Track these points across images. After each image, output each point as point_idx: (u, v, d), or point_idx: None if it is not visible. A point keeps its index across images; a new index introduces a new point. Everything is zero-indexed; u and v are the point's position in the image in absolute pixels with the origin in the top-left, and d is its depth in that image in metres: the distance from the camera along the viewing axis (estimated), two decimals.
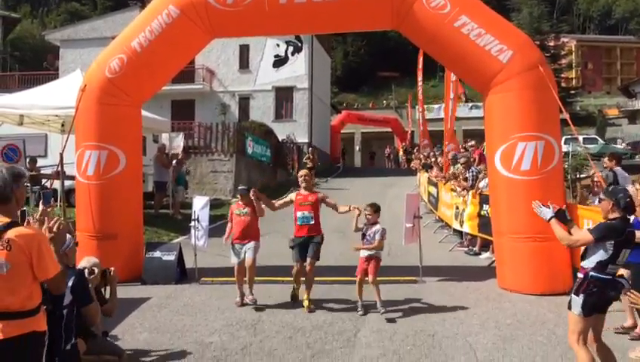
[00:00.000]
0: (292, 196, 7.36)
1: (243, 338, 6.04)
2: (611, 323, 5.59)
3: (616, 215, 4.37)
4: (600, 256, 4.30)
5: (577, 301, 4.27)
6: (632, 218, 5.47)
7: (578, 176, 15.03)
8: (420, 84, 27.70)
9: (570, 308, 4.35)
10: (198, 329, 6.38)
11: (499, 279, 8.14)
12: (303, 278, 7.22)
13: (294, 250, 7.14)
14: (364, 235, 6.98)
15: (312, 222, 7.14)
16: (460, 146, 18.49)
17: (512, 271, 7.88)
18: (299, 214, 7.17)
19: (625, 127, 42.86)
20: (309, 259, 7.02)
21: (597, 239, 4.27)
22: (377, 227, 6.96)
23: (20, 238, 3.08)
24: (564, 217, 4.67)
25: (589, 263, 4.31)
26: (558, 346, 5.65)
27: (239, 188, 7.80)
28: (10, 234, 3.08)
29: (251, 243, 7.25)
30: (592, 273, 4.26)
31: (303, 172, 7.71)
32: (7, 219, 3.16)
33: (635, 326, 5.97)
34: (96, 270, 4.78)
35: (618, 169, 9.02)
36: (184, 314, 6.98)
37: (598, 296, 4.27)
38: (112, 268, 4.93)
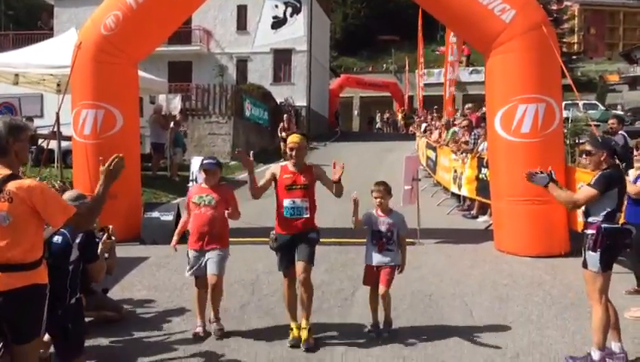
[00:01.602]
0: (275, 171, 4.97)
1: (241, 297, 6.08)
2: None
3: (608, 164, 4.35)
4: (607, 206, 4.28)
5: (594, 257, 4.23)
6: (635, 174, 5.47)
7: (577, 141, 14.97)
8: (420, 46, 27.30)
9: (585, 266, 4.28)
10: None
11: (496, 241, 8.18)
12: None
13: (278, 254, 4.95)
14: (377, 234, 5.01)
15: (307, 215, 4.86)
16: (455, 112, 18.36)
17: (510, 234, 7.91)
18: (287, 203, 4.85)
19: (625, 93, 42.51)
20: (301, 265, 4.76)
21: (602, 191, 4.24)
22: (395, 217, 5.05)
23: (20, 190, 3.05)
24: (554, 180, 4.63)
25: (597, 217, 4.28)
26: (553, 306, 5.71)
27: (204, 160, 5.36)
28: (11, 186, 3.06)
29: (215, 252, 4.97)
30: (604, 225, 4.23)
31: (294, 138, 4.95)
32: (7, 172, 3.12)
33: None
34: (111, 235, 4.74)
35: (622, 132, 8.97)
36: (183, 272, 6.97)
37: (613, 248, 4.27)
38: (111, 226, 4.92)
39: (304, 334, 4.75)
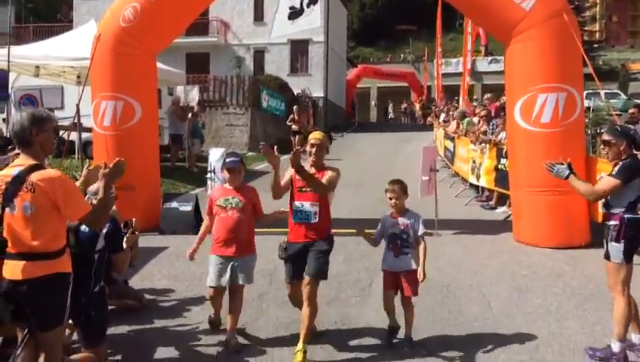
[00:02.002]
0: (289, 173, 4.57)
1: (260, 287, 6.11)
2: None
3: (627, 154, 4.29)
4: (629, 197, 4.23)
5: (618, 248, 4.18)
6: None
7: (599, 131, 14.75)
8: (438, 35, 27.01)
9: (608, 258, 4.24)
10: None
11: (515, 232, 8.12)
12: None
13: (286, 264, 4.59)
14: (392, 237, 4.64)
15: (315, 220, 4.40)
16: (471, 104, 18.17)
17: (529, 225, 7.84)
18: (295, 206, 4.47)
19: None
20: (306, 280, 4.35)
21: (625, 181, 4.19)
22: (411, 217, 4.65)
23: (42, 181, 3.10)
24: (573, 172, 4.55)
25: (619, 208, 4.22)
26: (572, 297, 5.67)
27: (226, 158, 4.96)
28: (34, 177, 3.11)
29: (242, 260, 4.64)
30: (626, 216, 4.18)
31: (316, 135, 4.58)
32: (32, 162, 3.18)
33: None
34: (135, 229, 4.79)
35: None
36: (202, 262, 7.02)
37: (636, 239, 4.22)
38: (134, 220, 4.96)
39: (298, 357, 4.16)
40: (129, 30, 8.59)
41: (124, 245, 4.38)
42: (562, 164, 4.39)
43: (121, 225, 4.76)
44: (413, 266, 4.59)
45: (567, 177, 4.35)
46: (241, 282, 4.63)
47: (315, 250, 4.40)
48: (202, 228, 4.96)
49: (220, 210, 4.69)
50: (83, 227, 4.03)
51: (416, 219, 4.63)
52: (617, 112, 12.51)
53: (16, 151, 5.70)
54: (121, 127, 8.68)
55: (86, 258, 3.85)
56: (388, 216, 4.73)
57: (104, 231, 4.11)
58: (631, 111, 8.89)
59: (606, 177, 4.30)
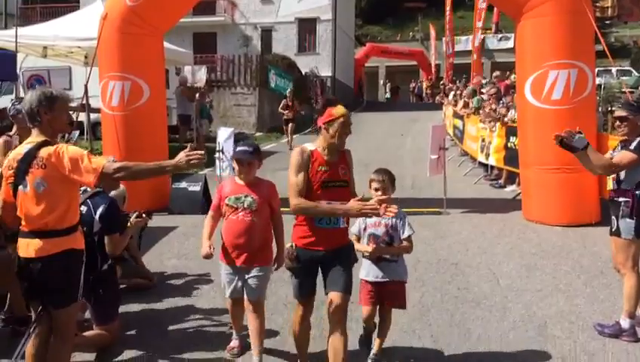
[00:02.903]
0: (303, 163, 3.44)
1: None
2: None
3: None
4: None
5: (630, 224, 4.16)
6: None
7: (610, 108, 14.57)
8: (447, 12, 26.61)
9: (619, 234, 4.22)
10: None
11: (524, 210, 8.09)
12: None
13: (296, 277, 3.61)
14: (372, 238, 3.85)
15: (344, 225, 3.54)
16: (477, 81, 17.93)
17: (538, 203, 7.80)
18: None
19: None
20: (338, 296, 3.43)
21: None
22: (397, 216, 3.70)
23: (50, 155, 3.10)
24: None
25: (631, 184, 4.19)
26: (582, 275, 5.66)
27: (238, 145, 4.13)
28: (43, 152, 3.12)
29: (254, 272, 3.85)
30: (638, 192, 4.15)
31: (340, 110, 3.53)
32: (41, 139, 3.18)
33: None
34: (143, 216, 4.77)
35: None
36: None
37: None
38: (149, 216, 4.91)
39: None
40: (135, 9, 8.53)
41: (127, 228, 4.41)
42: (581, 133, 4.31)
43: (128, 211, 4.79)
44: (398, 277, 3.85)
45: (585, 147, 4.19)
46: (254, 299, 3.83)
47: (340, 259, 3.47)
48: (206, 228, 3.96)
49: (229, 210, 3.85)
50: (82, 207, 4.06)
51: (402, 218, 3.81)
52: (630, 90, 12.31)
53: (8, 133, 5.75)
54: (129, 108, 8.67)
55: (87, 238, 3.87)
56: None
57: (98, 213, 4.14)
58: None
59: (624, 151, 4.21)
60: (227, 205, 3.87)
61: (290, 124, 16.35)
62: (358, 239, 3.91)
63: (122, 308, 4.63)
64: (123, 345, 4.24)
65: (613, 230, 4.27)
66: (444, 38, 32.69)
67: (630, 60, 39.19)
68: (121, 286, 4.94)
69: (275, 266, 3.97)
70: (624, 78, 25.20)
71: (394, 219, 3.78)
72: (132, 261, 5.37)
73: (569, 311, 4.78)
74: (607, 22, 46.78)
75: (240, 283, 3.89)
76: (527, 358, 4.01)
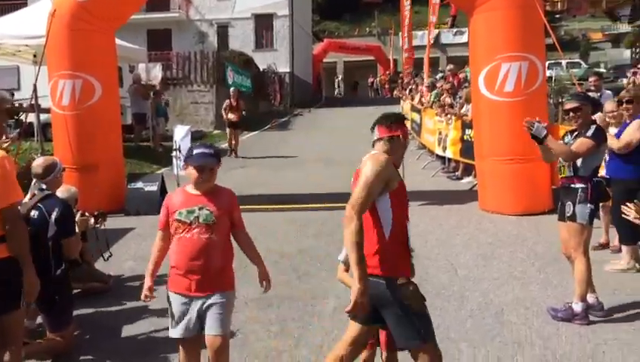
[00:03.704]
0: (390, 171, 2.96)
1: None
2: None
3: (591, 120, 4.42)
4: (597, 160, 4.38)
5: (586, 210, 4.31)
6: (615, 130, 5.54)
7: (561, 100, 15.02)
8: (403, 7, 26.87)
9: (574, 219, 4.35)
10: None
11: (480, 201, 8.25)
12: None
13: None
14: None
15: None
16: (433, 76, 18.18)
17: (494, 193, 7.98)
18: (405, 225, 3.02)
19: (608, 50, 42.47)
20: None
21: (599, 143, 4.30)
22: None
23: None
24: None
25: (588, 170, 4.34)
26: (536, 262, 5.81)
27: (193, 150, 3.28)
28: None
29: (215, 299, 3.19)
30: (595, 179, 4.33)
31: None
32: None
33: (607, 244, 6.15)
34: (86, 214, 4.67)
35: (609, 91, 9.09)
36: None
37: (599, 201, 4.36)
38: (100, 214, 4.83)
39: None
40: (85, 5, 8.30)
41: (77, 229, 4.29)
42: (540, 122, 4.42)
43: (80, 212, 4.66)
44: None
45: (545, 136, 4.34)
46: (217, 332, 3.15)
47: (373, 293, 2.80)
48: (154, 253, 3.35)
49: (180, 226, 3.17)
50: (33, 212, 3.94)
51: None
52: (578, 81, 12.73)
53: None
54: (80, 107, 8.44)
55: (40, 243, 3.75)
56: None
57: (53, 216, 3.99)
58: (592, 79, 9.06)
59: (581, 139, 4.34)
60: (177, 221, 3.16)
61: (235, 129, 14.13)
62: (347, 268, 3.20)
63: (77, 313, 4.51)
64: (78, 351, 4.14)
65: (568, 215, 4.39)
66: (400, 33, 33.02)
67: (579, 53, 40.50)
68: (76, 290, 4.81)
69: (265, 288, 3.44)
70: (574, 70, 26.01)
71: None
72: (85, 264, 5.23)
73: (524, 298, 4.90)
74: (557, 16, 48.21)
75: (195, 317, 3.17)
76: (484, 344, 4.09)
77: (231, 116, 14.00)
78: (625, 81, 17.80)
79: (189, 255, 3.16)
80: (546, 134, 4.33)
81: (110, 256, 5.49)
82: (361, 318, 2.91)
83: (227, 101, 14.39)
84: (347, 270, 3.25)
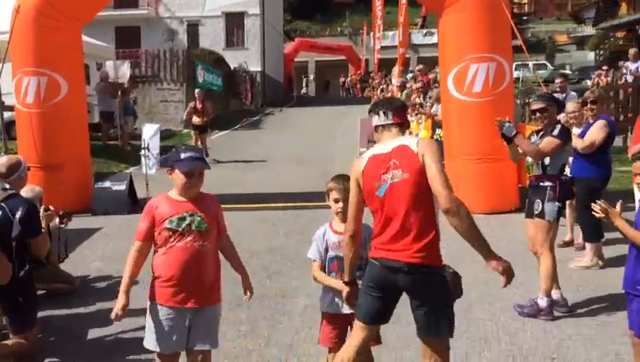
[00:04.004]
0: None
1: None
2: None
3: (557, 119, 4.53)
4: (563, 159, 4.50)
5: (554, 207, 4.40)
6: (578, 131, 5.68)
7: (527, 100, 15.33)
8: (379, 6, 27.00)
9: (543, 216, 4.43)
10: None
11: None
12: None
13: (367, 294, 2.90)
14: (334, 262, 3.19)
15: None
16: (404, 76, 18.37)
17: (463, 192, 7.96)
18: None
19: (573, 53, 43.50)
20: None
21: (564, 142, 4.40)
22: (363, 231, 3.06)
23: None
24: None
25: (555, 169, 4.44)
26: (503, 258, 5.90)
27: (181, 151, 3.09)
28: None
29: (206, 312, 3.08)
30: (562, 177, 4.43)
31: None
32: None
33: (571, 242, 6.31)
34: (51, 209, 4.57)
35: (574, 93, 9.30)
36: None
37: (566, 198, 4.47)
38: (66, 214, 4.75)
39: None
40: (50, 1, 8.13)
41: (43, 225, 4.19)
42: (509, 122, 4.50)
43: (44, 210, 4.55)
44: None
45: (515, 135, 4.42)
46: (207, 347, 3.07)
47: (420, 282, 2.81)
48: (130, 268, 3.09)
49: (172, 235, 3.00)
50: None
51: (368, 233, 3.01)
52: (544, 83, 13.02)
53: None
54: (45, 104, 8.28)
55: (3, 243, 3.65)
56: (328, 230, 3.24)
57: (17, 216, 3.88)
58: (558, 80, 9.28)
59: (548, 138, 4.43)
60: (168, 229, 2.99)
61: (200, 133, 13.04)
62: (322, 266, 3.20)
63: (41, 314, 4.41)
64: (42, 354, 4.04)
65: (537, 212, 4.47)
66: (372, 33, 33.22)
67: (545, 55, 41.37)
68: (40, 291, 4.70)
69: (248, 298, 3.33)
70: (540, 71, 26.54)
71: (362, 236, 3.06)
72: (50, 265, 5.11)
73: (490, 294, 4.98)
74: (524, 18, 49.19)
75: (183, 330, 3.01)
76: (452, 341, 4.13)
77: (195, 120, 12.96)
78: (589, 82, 18.29)
79: (183, 264, 2.99)
80: (515, 133, 4.42)
81: (65, 258, 5.36)
82: (371, 317, 2.91)
83: (191, 104, 13.29)
84: (323, 268, 3.22)
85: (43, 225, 4.26)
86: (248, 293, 3.32)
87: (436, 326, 2.81)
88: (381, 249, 2.83)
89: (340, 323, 3.20)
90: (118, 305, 3.03)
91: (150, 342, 3.07)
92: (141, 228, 3.08)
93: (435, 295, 2.80)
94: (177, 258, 2.99)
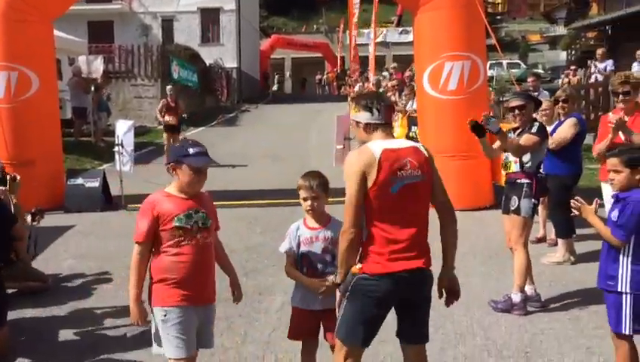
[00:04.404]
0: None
1: None
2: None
3: (533, 117, 4.60)
4: (539, 156, 4.54)
5: (530, 204, 4.46)
6: (549, 128, 5.77)
7: (501, 99, 15.54)
8: (356, 4, 26.99)
9: (518, 213, 4.48)
10: (127, 255, 6.10)
11: None
12: None
13: (367, 313, 2.73)
14: (306, 259, 3.16)
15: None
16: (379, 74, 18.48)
17: None
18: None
19: (546, 52, 44.27)
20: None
21: (542, 139, 4.47)
22: (334, 227, 3.09)
23: None
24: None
25: (532, 166, 4.49)
26: (477, 255, 5.99)
27: (188, 148, 2.97)
28: None
29: (211, 309, 3.09)
30: (539, 175, 4.50)
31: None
32: None
33: (544, 238, 6.42)
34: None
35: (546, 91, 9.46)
36: (112, 239, 6.81)
37: (541, 195, 4.54)
38: (17, 175, 4.57)
39: None
40: None
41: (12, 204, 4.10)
42: (494, 118, 4.54)
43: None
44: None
45: (498, 131, 4.44)
46: (210, 346, 3.12)
47: (427, 287, 2.84)
48: (139, 272, 2.91)
49: (182, 234, 2.88)
50: None
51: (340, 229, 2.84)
52: (517, 81, 13.21)
53: None
54: (16, 99, 8.13)
55: None
56: (302, 226, 3.22)
57: None
58: (531, 79, 9.42)
59: (527, 135, 4.48)
60: (177, 228, 2.86)
61: (172, 133, 11.82)
62: (294, 261, 3.20)
63: (13, 314, 4.32)
64: (13, 354, 3.95)
65: (513, 208, 4.52)
66: (347, 31, 33.25)
67: (519, 54, 41.98)
68: (12, 290, 4.61)
69: (236, 298, 3.26)
70: (513, 70, 26.89)
71: (332, 233, 3.08)
72: (21, 263, 5.01)
73: (466, 290, 5.00)
74: (498, 17, 49.79)
75: (195, 330, 2.94)
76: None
77: (168, 118, 11.86)
78: (560, 81, 18.61)
79: (196, 263, 2.90)
80: (499, 129, 4.46)
81: (35, 256, 5.25)
82: (371, 340, 2.77)
83: (163, 101, 12.28)
84: (295, 263, 3.19)
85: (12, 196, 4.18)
86: (236, 293, 3.24)
87: (426, 331, 2.86)
88: (400, 258, 2.66)
89: (309, 319, 3.15)
90: (135, 318, 2.92)
91: (172, 350, 2.86)
92: (142, 228, 2.88)
93: (429, 299, 2.85)
94: (190, 257, 2.89)
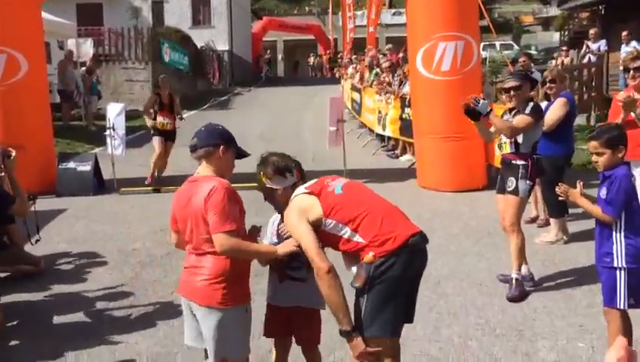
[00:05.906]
0: None
1: (168, 245, 5.91)
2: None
3: (530, 96, 4.57)
4: (535, 137, 4.52)
5: (527, 185, 4.45)
6: (544, 103, 5.76)
7: (494, 80, 15.50)
8: None
9: (516, 193, 4.47)
10: (120, 238, 6.25)
11: (419, 178, 8.43)
12: None
13: (392, 302, 2.69)
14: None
15: None
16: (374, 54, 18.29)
17: (431, 170, 8.17)
18: None
19: (539, 33, 44.17)
20: None
21: (537, 120, 4.45)
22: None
23: None
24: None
25: (527, 147, 4.48)
26: (471, 236, 6.02)
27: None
28: None
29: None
30: (535, 156, 4.48)
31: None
32: None
33: (537, 218, 6.44)
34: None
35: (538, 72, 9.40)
36: (105, 223, 6.79)
37: (537, 176, 4.54)
38: (12, 151, 4.47)
39: None
40: None
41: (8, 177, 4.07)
42: (484, 99, 4.50)
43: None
44: (307, 303, 2.97)
45: (489, 112, 4.38)
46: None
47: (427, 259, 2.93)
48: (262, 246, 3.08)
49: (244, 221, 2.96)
50: None
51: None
52: (511, 63, 13.16)
53: None
54: (5, 83, 8.01)
55: None
56: (278, 218, 3.16)
57: None
58: (521, 59, 9.35)
59: (521, 115, 4.44)
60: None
61: (166, 140, 8.71)
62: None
63: (5, 298, 4.31)
64: (7, 337, 3.95)
65: (509, 189, 4.50)
66: (340, 13, 32.92)
67: (512, 35, 41.85)
68: (4, 274, 4.59)
69: None
70: (506, 51, 26.80)
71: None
72: (14, 247, 4.99)
73: (458, 270, 5.06)
74: None
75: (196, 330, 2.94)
76: (422, 316, 4.19)
77: (162, 120, 8.64)
78: (553, 62, 18.56)
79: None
80: (489, 110, 4.41)
81: (38, 240, 5.23)
82: (400, 327, 2.79)
83: (152, 96, 9.09)
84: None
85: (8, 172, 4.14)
86: None
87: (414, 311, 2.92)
88: (401, 226, 2.72)
89: (279, 316, 3.04)
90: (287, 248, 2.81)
91: (245, 347, 2.87)
92: (238, 218, 2.80)
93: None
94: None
